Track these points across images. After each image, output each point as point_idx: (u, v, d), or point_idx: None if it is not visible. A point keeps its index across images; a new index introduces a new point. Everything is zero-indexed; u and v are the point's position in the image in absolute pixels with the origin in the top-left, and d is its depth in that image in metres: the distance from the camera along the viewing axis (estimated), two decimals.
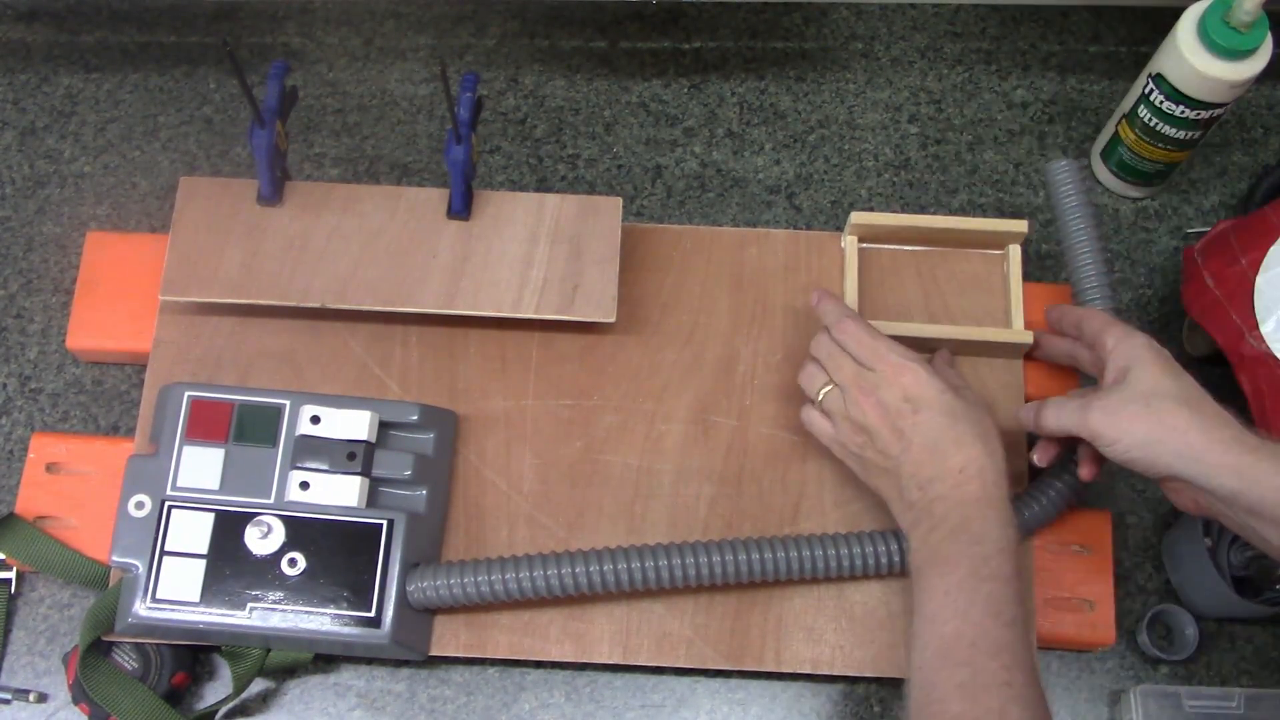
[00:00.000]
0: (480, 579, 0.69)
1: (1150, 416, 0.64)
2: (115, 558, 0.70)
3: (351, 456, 0.71)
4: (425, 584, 0.70)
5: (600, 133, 0.90)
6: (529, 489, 0.76)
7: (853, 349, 0.70)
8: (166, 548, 0.70)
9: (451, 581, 0.69)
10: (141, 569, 0.69)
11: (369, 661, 0.76)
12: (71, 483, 0.76)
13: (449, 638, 0.73)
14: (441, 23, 0.93)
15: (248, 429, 0.72)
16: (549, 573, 0.69)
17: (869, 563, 0.71)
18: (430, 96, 0.91)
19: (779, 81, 0.92)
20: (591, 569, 0.69)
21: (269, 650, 0.72)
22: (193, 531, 0.70)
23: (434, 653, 0.73)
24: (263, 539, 0.70)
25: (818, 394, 0.71)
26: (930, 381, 0.67)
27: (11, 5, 0.91)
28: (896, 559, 0.71)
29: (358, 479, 0.71)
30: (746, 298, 0.80)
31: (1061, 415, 0.68)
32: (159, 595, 0.69)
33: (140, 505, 0.71)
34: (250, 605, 0.69)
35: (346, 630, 0.69)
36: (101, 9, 0.92)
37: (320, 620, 0.69)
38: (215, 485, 0.71)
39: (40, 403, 0.81)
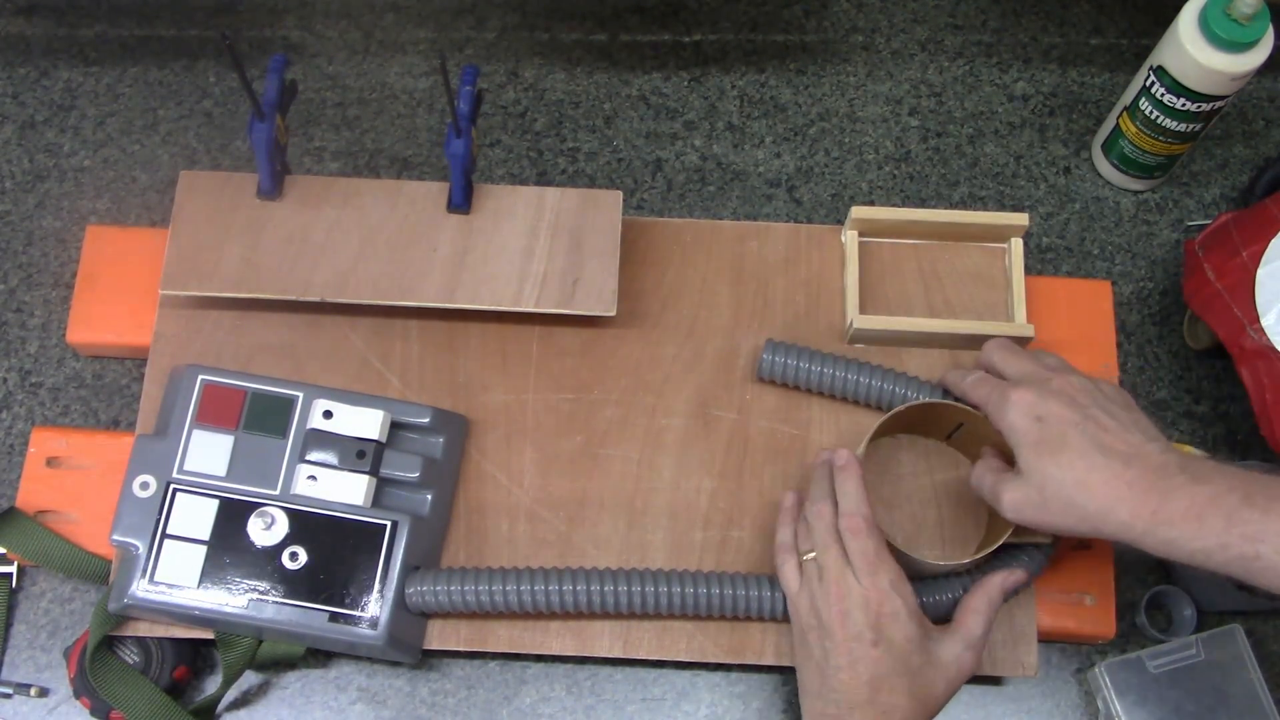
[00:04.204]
0: (481, 588, 0.69)
1: (1046, 512, 0.63)
2: (116, 536, 0.70)
3: (361, 455, 0.71)
4: (424, 588, 0.69)
5: (600, 126, 0.90)
6: (529, 483, 0.76)
7: (853, 551, 0.66)
8: (168, 530, 0.70)
9: (451, 589, 0.69)
10: (141, 549, 0.69)
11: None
12: (72, 477, 0.76)
13: (450, 632, 0.73)
14: (441, 16, 0.93)
15: (259, 418, 0.72)
16: (550, 589, 0.69)
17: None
18: (430, 90, 0.91)
19: (779, 74, 0.92)
20: (593, 588, 0.69)
21: (261, 641, 0.71)
22: (196, 516, 0.70)
23: (435, 646, 0.73)
24: (265, 530, 0.70)
25: (804, 555, 0.68)
26: (906, 624, 0.64)
27: None
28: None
29: (365, 478, 0.71)
30: (747, 291, 0.80)
31: (980, 487, 0.68)
32: (157, 577, 0.69)
33: (145, 485, 0.70)
34: (248, 596, 0.69)
35: (342, 629, 0.69)
36: (101, 2, 0.92)
37: (316, 616, 0.69)
38: (222, 472, 0.71)
39: (40, 397, 0.81)
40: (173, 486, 0.71)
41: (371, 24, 0.92)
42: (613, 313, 0.76)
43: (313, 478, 0.71)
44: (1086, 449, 0.62)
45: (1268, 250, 0.74)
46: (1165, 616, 0.79)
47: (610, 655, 0.73)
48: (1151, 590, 0.77)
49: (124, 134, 0.89)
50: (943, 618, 0.71)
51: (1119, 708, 0.74)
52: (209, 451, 0.71)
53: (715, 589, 0.70)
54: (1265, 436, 0.73)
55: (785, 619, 0.71)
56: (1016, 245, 0.80)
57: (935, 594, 0.71)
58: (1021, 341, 0.77)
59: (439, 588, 0.69)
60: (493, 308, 0.75)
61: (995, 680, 0.77)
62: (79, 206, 0.86)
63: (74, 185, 0.87)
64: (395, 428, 0.73)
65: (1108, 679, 0.74)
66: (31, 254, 0.85)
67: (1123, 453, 0.61)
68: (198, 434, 0.72)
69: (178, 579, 0.69)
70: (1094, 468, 0.61)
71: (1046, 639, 0.76)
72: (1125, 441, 0.62)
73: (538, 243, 0.77)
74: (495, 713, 0.75)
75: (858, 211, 0.79)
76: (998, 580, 0.68)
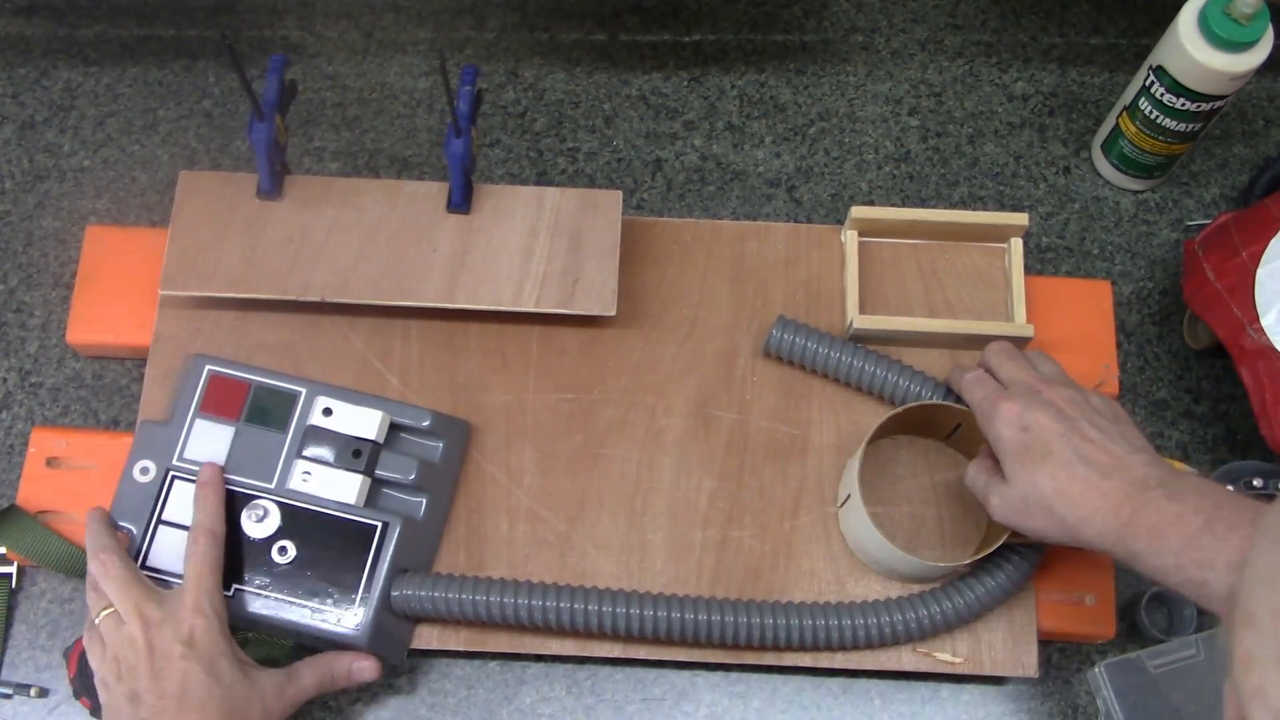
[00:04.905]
0: (465, 598, 0.69)
1: (1029, 517, 0.64)
2: (112, 520, 0.70)
3: (357, 454, 0.71)
4: (410, 592, 0.70)
5: (600, 126, 0.90)
6: (529, 483, 0.76)
7: (192, 558, 0.67)
8: (164, 517, 0.70)
9: (436, 595, 0.69)
10: (136, 534, 0.70)
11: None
12: (72, 477, 0.76)
13: (450, 632, 0.73)
14: (441, 16, 0.93)
15: (261, 411, 0.72)
16: (534, 604, 0.69)
17: (885, 633, 0.71)
18: (430, 90, 0.91)
19: (779, 74, 0.92)
20: (576, 606, 0.69)
21: (249, 636, 0.72)
22: (192, 505, 0.70)
23: (435, 646, 0.73)
24: (258, 523, 0.70)
25: (98, 616, 0.67)
26: (217, 637, 0.65)
27: None
28: (917, 626, 0.71)
29: (359, 477, 0.71)
30: (747, 291, 0.80)
31: (974, 486, 0.68)
32: (149, 563, 0.70)
33: (145, 470, 0.71)
34: (235, 586, 0.69)
35: (325, 626, 0.69)
36: (100, 3, 0.92)
37: (301, 612, 0.69)
38: (221, 462, 0.71)
39: (40, 397, 0.81)
40: (171, 473, 0.71)
41: (371, 24, 0.92)
42: (612, 313, 0.76)
43: (307, 474, 0.71)
44: (1068, 459, 0.63)
45: (1267, 250, 0.74)
46: (1165, 616, 0.79)
47: (610, 655, 0.73)
48: (1151, 590, 0.77)
49: (124, 134, 0.89)
50: (945, 624, 0.71)
51: (1119, 708, 0.74)
52: (210, 441, 0.72)
53: (704, 615, 0.70)
54: (1265, 436, 0.73)
55: (773, 647, 0.72)
56: (1016, 245, 0.80)
57: (938, 602, 0.71)
58: (1021, 342, 0.77)
59: (424, 593, 0.69)
60: (493, 308, 0.75)
61: (995, 680, 0.77)
62: (79, 206, 0.86)
63: (74, 185, 0.87)
64: (394, 429, 0.73)
65: (1108, 679, 0.74)
66: (31, 254, 0.85)
67: (1104, 464, 0.62)
68: (200, 423, 0.72)
69: (169, 565, 0.70)
70: (1074, 478, 0.62)
71: (1046, 639, 0.76)
72: (1108, 453, 0.62)
73: (537, 243, 0.77)
74: (495, 713, 0.75)
75: (857, 211, 0.79)
76: (345, 660, 0.70)
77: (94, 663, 0.67)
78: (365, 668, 0.71)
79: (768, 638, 0.70)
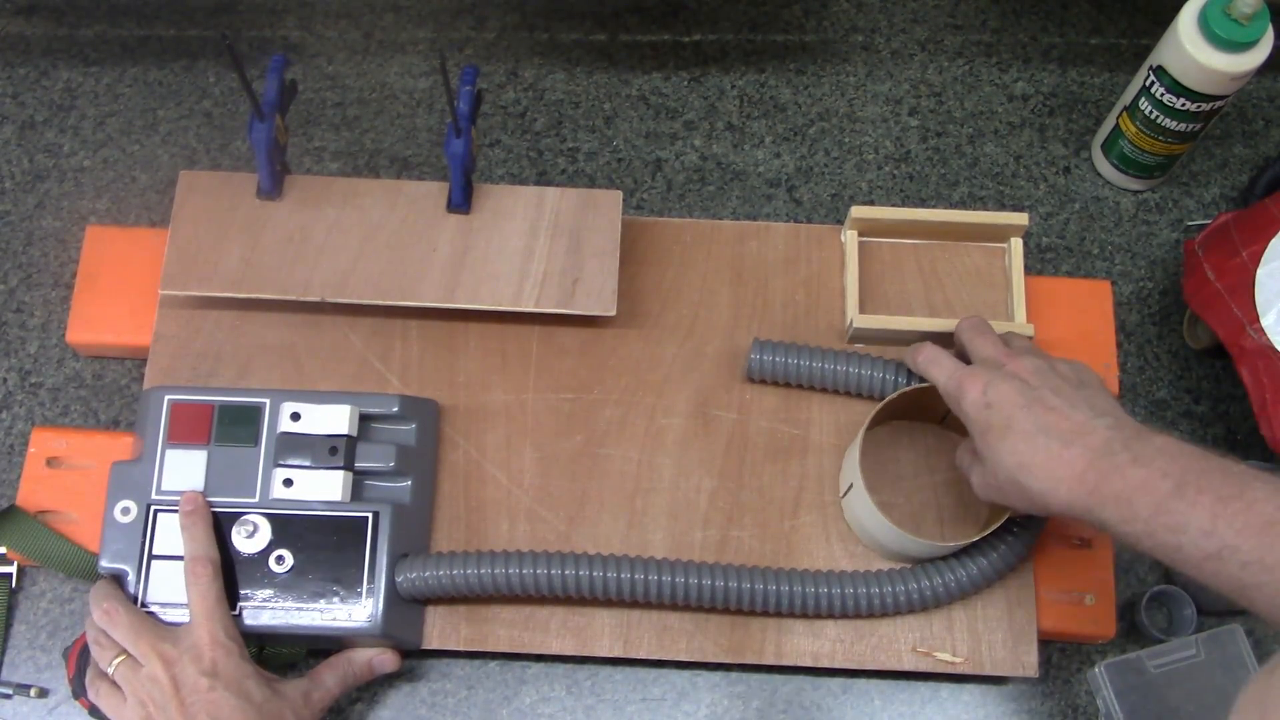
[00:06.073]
0: (469, 571, 0.70)
1: (1003, 494, 0.65)
2: (104, 564, 0.70)
3: (333, 451, 0.71)
4: (414, 574, 0.70)
5: (600, 126, 0.90)
6: (529, 483, 0.76)
7: (194, 595, 0.67)
8: (154, 552, 0.70)
9: (440, 572, 0.70)
10: (131, 574, 0.70)
11: None
12: (72, 477, 0.76)
13: (449, 631, 0.73)
14: (441, 16, 0.93)
15: (229, 429, 0.72)
16: (539, 571, 0.69)
17: (883, 604, 0.72)
18: (430, 90, 0.91)
19: (779, 74, 0.92)
20: (581, 573, 0.70)
21: (263, 648, 0.72)
22: (180, 535, 0.70)
23: (435, 646, 0.73)
24: (249, 538, 0.70)
25: (110, 666, 0.67)
26: (239, 664, 0.66)
27: None
28: (910, 599, 0.71)
29: (340, 473, 0.71)
30: (747, 291, 0.80)
31: (961, 468, 0.70)
32: (149, 599, 0.69)
33: (126, 511, 0.71)
34: (240, 605, 0.69)
35: (337, 624, 0.69)
36: (101, 3, 0.92)
37: (311, 616, 0.69)
38: (200, 487, 0.71)
39: (40, 397, 0.81)
40: (153, 508, 0.71)
41: (371, 24, 0.92)
42: (613, 313, 0.76)
43: (289, 481, 0.71)
44: (1030, 431, 0.62)
45: (1267, 250, 0.74)
46: (1165, 616, 0.79)
47: (610, 655, 0.73)
48: (1151, 590, 0.77)
49: (124, 134, 0.89)
50: (944, 600, 0.72)
51: (1119, 708, 0.74)
52: (185, 469, 0.71)
53: (706, 579, 0.70)
54: (1265, 436, 0.73)
55: (775, 613, 0.72)
56: (1016, 245, 0.80)
57: (938, 576, 0.71)
58: None
59: (427, 573, 0.70)
60: (493, 308, 0.75)
61: (995, 680, 0.77)
62: (79, 206, 0.86)
63: (74, 185, 0.87)
64: (365, 420, 0.73)
65: (1108, 679, 0.74)
66: (31, 254, 0.85)
67: (1064, 432, 0.61)
68: (171, 453, 0.71)
69: (170, 598, 0.69)
70: (1036, 449, 0.62)
71: (1046, 639, 0.76)
72: (1069, 420, 0.62)
73: (537, 243, 0.77)
74: (495, 713, 0.75)
75: (858, 211, 0.79)
76: (364, 655, 0.72)
77: (113, 713, 0.67)
78: (385, 659, 0.72)
79: (769, 602, 0.71)
